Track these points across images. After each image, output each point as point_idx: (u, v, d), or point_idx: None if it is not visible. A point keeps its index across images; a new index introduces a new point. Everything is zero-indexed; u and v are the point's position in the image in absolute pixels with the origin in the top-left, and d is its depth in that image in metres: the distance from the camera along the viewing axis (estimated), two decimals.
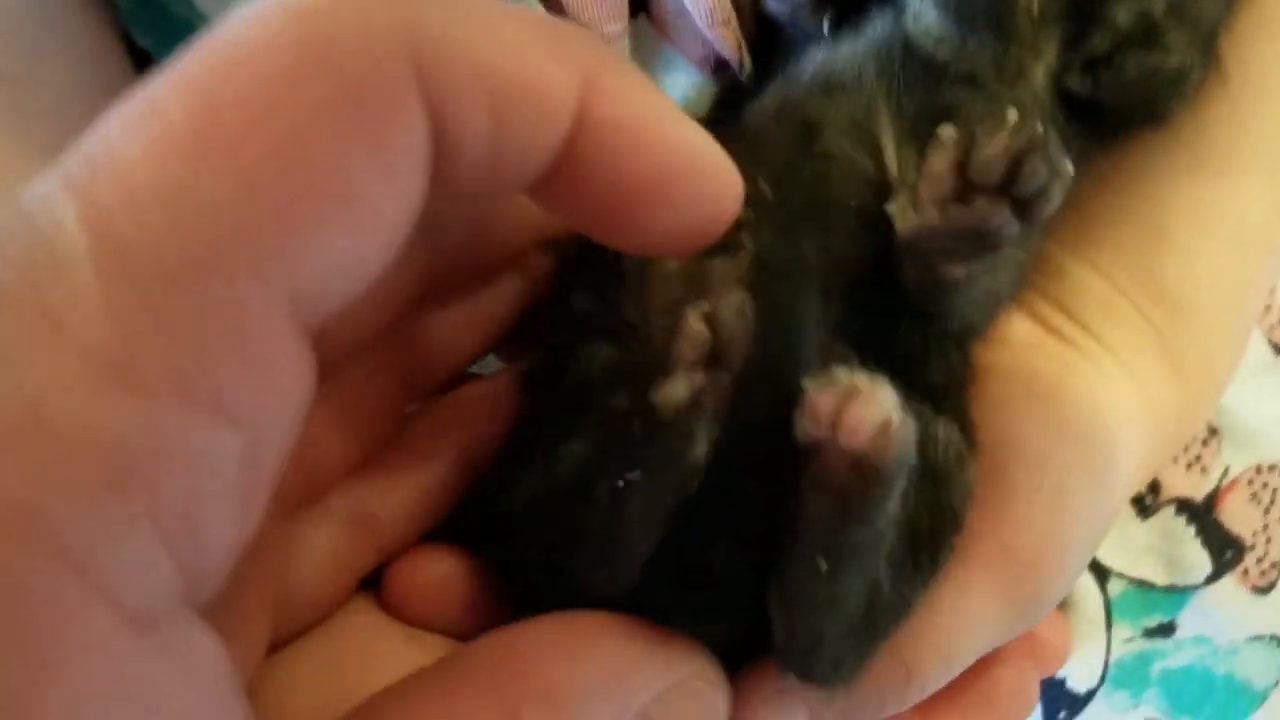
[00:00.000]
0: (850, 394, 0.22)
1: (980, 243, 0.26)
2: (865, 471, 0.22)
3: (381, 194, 0.17)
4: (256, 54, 0.16)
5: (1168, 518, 0.42)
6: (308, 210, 0.16)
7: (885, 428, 0.22)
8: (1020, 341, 0.32)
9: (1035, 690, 0.34)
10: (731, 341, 0.23)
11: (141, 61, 0.37)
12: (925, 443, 0.26)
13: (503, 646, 0.23)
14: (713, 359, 0.23)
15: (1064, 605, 0.41)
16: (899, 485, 0.23)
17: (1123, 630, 0.42)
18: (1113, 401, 0.31)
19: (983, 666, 0.31)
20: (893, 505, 0.23)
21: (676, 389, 0.23)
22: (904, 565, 0.26)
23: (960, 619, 0.29)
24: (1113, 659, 0.42)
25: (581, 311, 0.28)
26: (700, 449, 0.23)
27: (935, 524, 0.26)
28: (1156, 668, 0.42)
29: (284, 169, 0.16)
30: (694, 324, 0.23)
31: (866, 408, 0.22)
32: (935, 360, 0.29)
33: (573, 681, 0.23)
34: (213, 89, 0.16)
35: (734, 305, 0.23)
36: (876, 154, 0.29)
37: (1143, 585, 0.42)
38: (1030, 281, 0.33)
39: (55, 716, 0.14)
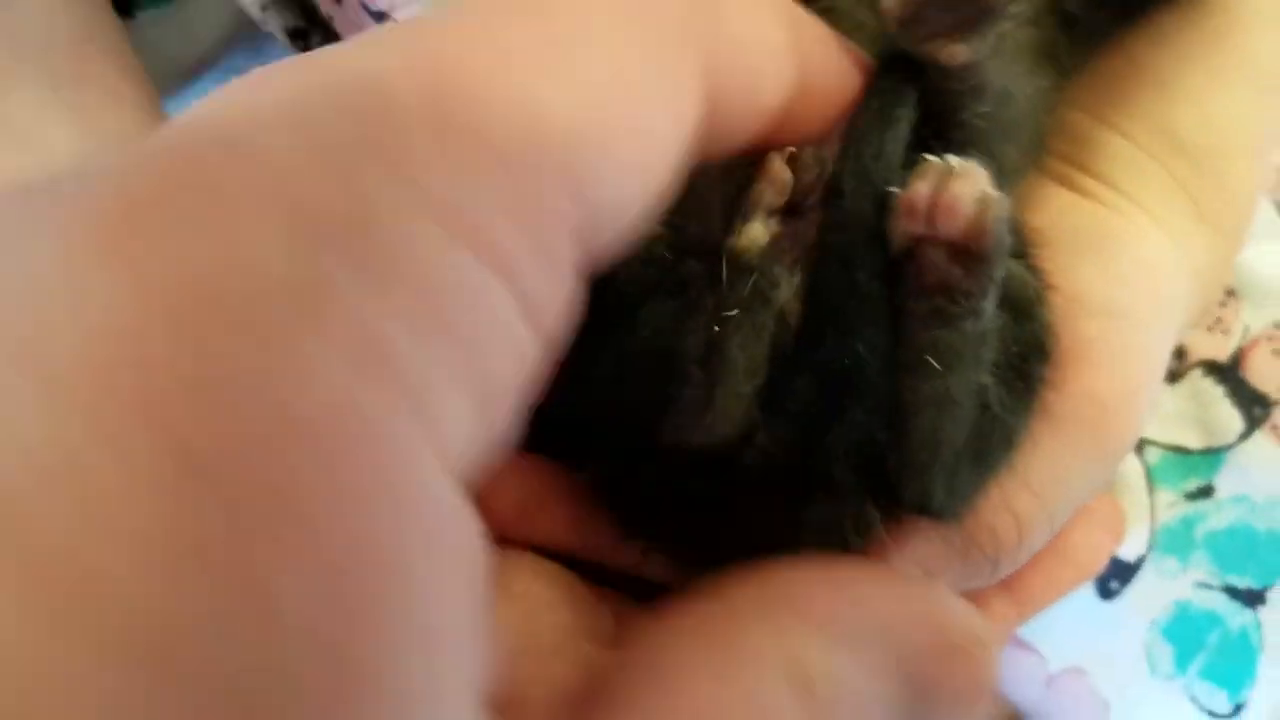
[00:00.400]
0: (944, 175, 0.22)
1: (972, 7, 0.25)
2: (969, 254, 0.22)
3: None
4: None
5: (1196, 380, 0.43)
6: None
7: (984, 203, 0.22)
8: (1056, 206, 0.33)
9: (1105, 542, 0.34)
10: (811, 184, 0.23)
11: None
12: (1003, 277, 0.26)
13: (767, 584, 0.21)
14: (791, 208, 0.24)
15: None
16: (1000, 269, 0.23)
17: (1164, 496, 0.43)
18: (1155, 249, 0.33)
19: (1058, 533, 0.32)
20: (993, 300, 0.24)
21: (755, 231, 0.23)
22: (1005, 387, 0.26)
23: (1059, 470, 0.30)
24: (1158, 525, 0.43)
25: None
26: (784, 292, 0.24)
27: (1024, 352, 0.27)
28: (1200, 530, 0.43)
29: None
30: (776, 166, 0.23)
31: (963, 185, 0.22)
32: None
33: (854, 618, 0.20)
34: None
35: (813, 151, 0.23)
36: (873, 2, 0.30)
37: (1179, 450, 0.43)
38: (1055, 150, 0.34)
39: (394, 572, 0.12)
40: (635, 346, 0.25)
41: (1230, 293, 0.43)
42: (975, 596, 0.32)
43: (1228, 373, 0.43)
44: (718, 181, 0.25)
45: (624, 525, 0.27)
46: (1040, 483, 0.29)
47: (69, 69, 0.37)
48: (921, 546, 0.28)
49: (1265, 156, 0.35)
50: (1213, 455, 0.43)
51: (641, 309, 0.25)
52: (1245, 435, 0.43)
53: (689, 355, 0.24)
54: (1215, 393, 0.43)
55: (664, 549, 0.27)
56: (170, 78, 0.46)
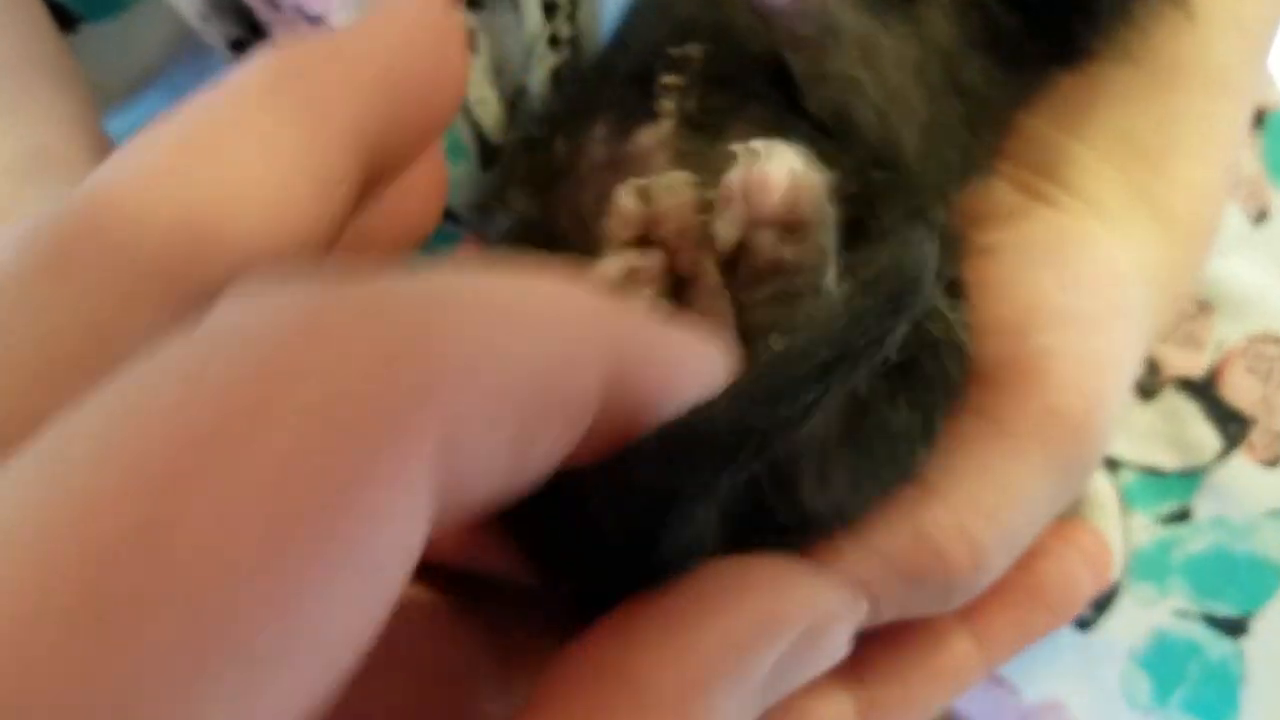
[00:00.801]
0: (753, 158, 0.23)
1: None
2: (793, 228, 0.23)
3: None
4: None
5: (1170, 397, 0.41)
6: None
7: (795, 176, 0.23)
8: (1011, 213, 0.32)
9: (1085, 582, 0.33)
10: (666, 213, 0.23)
11: None
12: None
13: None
14: (648, 238, 0.23)
15: (1078, 502, 0.40)
16: (827, 241, 0.23)
17: (1139, 519, 0.41)
18: (1112, 252, 0.31)
19: (1026, 560, 0.30)
20: (832, 277, 0.23)
21: (608, 267, 0.23)
22: (885, 389, 0.25)
23: (1016, 489, 0.28)
24: (1133, 550, 0.41)
25: (518, 212, 0.28)
26: None
27: (907, 358, 0.25)
28: (1177, 555, 0.41)
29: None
30: (623, 200, 0.23)
31: (772, 163, 0.23)
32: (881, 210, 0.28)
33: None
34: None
35: (667, 180, 0.24)
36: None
37: (1153, 472, 0.41)
38: (1016, 156, 0.33)
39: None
40: None
41: (1203, 306, 0.41)
42: (935, 630, 0.31)
43: (1203, 389, 0.41)
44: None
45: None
46: (995, 505, 0.28)
47: (3, 86, 0.37)
48: (854, 566, 0.27)
49: (1230, 163, 0.34)
50: (1189, 477, 0.41)
51: None
52: (1223, 455, 0.41)
53: None
54: (1190, 410, 0.41)
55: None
56: (116, 91, 0.45)
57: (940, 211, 0.29)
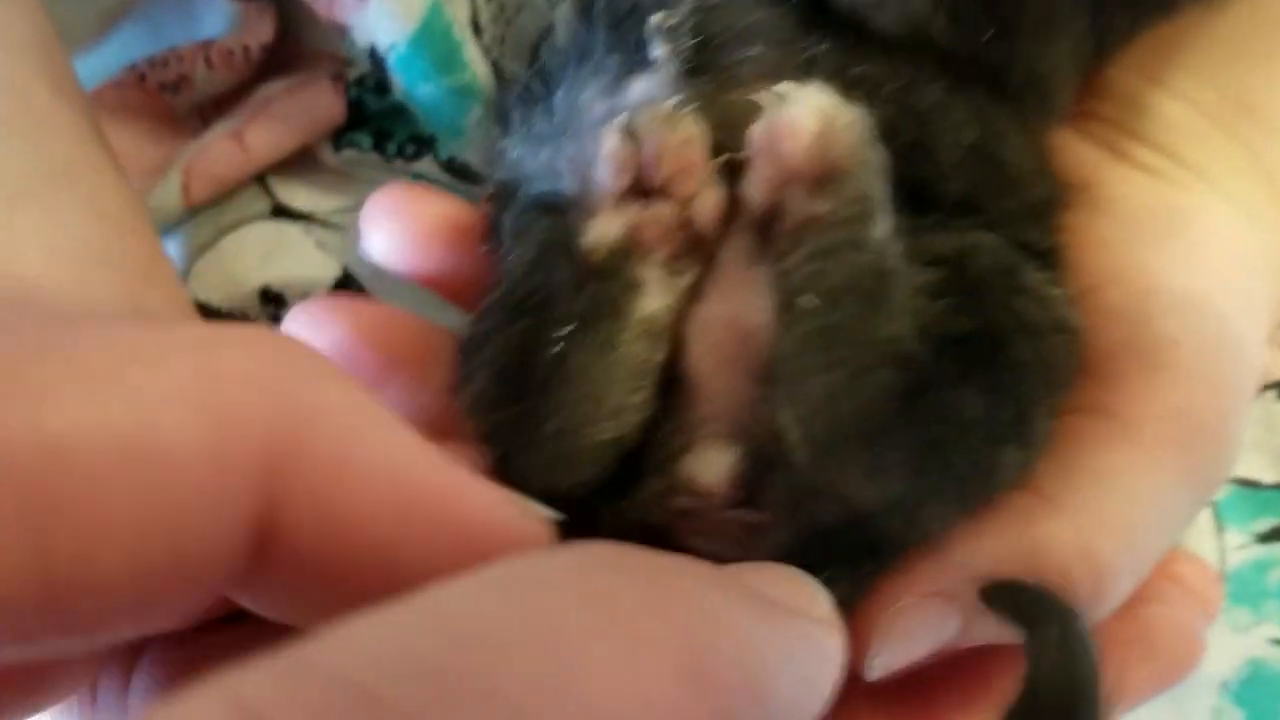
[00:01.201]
0: (777, 104, 0.20)
1: None
2: (827, 177, 0.20)
3: None
4: None
5: (1269, 403, 0.38)
6: None
7: (826, 117, 0.20)
8: (1110, 182, 0.28)
9: (1198, 630, 0.28)
10: (662, 150, 0.20)
11: None
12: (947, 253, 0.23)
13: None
14: (646, 188, 0.21)
15: None
16: (870, 188, 0.20)
17: (1233, 537, 0.37)
18: (1231, 231, 0.28)
19: (1133, 605, 0.26)
20: (883, 228, 0.20)
21: (605, 230, 0.20)
22: (951, 362, 0.22)
23: (1146, 503, 0.25)
24: (1227, 571, 0.37)
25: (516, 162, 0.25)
26: (655, 301, 0.21)
27: (985, 329, 0.22)
28: (1274, 577, 0.37)
29: None
30: (609, 142, 0.20)
31: (798, 107, 0.20)
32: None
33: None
34: None
35: (659, 111, 0.21)
36: None
37: (1249, 485, 0.38)
38: (1097, 112, 0.29)
39: None
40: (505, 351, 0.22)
41: None
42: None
43: None
44: None
45: None
46: (1123, 521, 0.24)
47: None
48: (945, 576, 0.24)
49: None
50: None
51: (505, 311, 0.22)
52: None
53: (532, 386, 0.21)
54: None
55: None
56: (90, 26, 0.40)
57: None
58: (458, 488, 0.17)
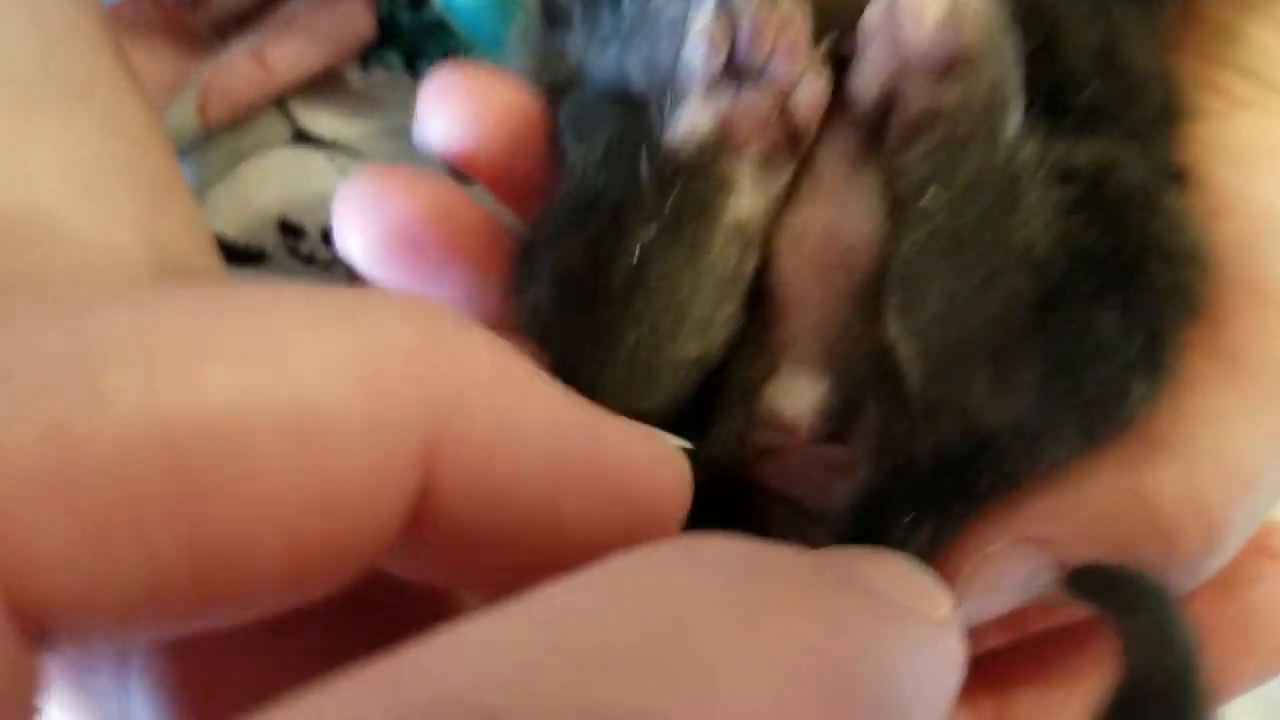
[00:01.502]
0: None
1: None
2: (955, 64, 0.18)
3: None
4: None
5: None
6: None
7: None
8: (1206, 116, 0.25)
9: None
10: (760, 25, 0.18)
11: None
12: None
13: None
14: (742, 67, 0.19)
15: None
16: (1004, 77, 0.19)
17: None
18: None
19: (1229, 586, 0.24)
20: (1015, 121, 0.19)
21: (694, 121, 0.18)
22: (1090, 283, 0.20)
23: (1264, 454, 0.22)
24: None
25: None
26: (748, 202, 0.19)
27: (1118, 252, 0.20)
28: None
29: None
30: (700, 17, 0.18)
31: None
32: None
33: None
34: None
35: None
36: None
37: None
38: (1186, 43, 0.26)
39: None
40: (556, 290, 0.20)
41: None
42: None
43: None
44: None
45: None
46: (1236, 468, 0.22)
47: None
48: (1042, 520, 0.22)
49: None
50: None
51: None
52: None
53: (606, 295, 0.19)
54: None
55: None
56: None
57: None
58: (600, 431, 0.17)
